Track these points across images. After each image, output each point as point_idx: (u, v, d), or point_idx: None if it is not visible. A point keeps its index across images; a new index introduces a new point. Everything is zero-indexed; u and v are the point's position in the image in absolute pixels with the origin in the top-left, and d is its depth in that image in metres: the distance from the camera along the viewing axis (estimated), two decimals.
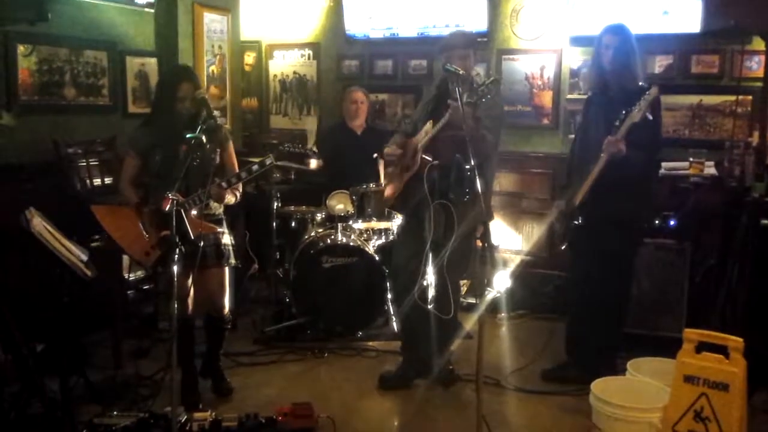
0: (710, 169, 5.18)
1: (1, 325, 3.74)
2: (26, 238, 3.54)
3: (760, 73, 5.22)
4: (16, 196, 4.44)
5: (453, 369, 4.61)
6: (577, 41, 6.02)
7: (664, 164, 5.12)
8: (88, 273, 3.78)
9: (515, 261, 6.22)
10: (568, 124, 6.19)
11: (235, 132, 6.90)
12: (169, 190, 3.46)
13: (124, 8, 6.02)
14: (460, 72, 3.80)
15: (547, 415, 4.21)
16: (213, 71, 6.82)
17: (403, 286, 4.50)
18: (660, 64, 5.73)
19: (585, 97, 5.86)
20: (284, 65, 7.48)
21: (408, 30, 6.62)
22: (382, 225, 5.60)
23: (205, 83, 6.54)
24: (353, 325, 5.35)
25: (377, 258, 5.31)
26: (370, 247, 5.41)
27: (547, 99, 6.24)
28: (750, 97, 5.40)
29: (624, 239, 4.35)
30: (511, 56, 6.33)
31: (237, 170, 4.20)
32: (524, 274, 6.07)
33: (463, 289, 5.59)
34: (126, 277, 5.16)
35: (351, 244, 5.34)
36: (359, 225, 5.58)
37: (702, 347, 3.36)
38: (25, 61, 5.30)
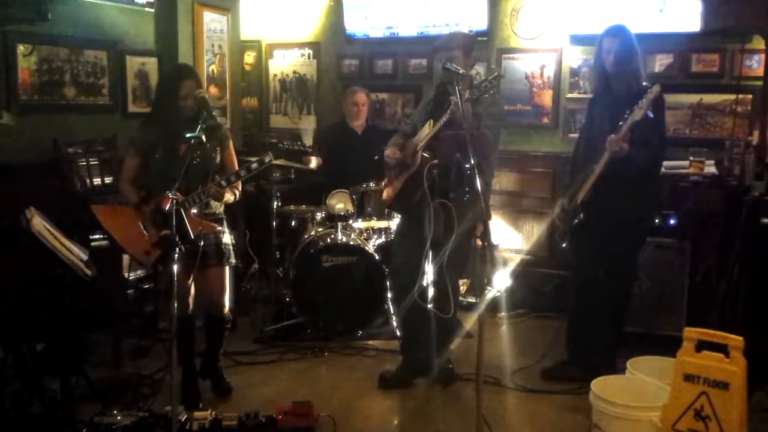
0: (710, 168, 5.18)
1: (2, 324, 3.74)
2: (26, 237, 3.54)
3: (760, 72, 5.22)
4: (16, 196, 4.43)
5: (453, 368, 4.62)
6: (577, 40, 6.02)
7: (664, 163, 5.11)
8: (88, 272, 3.78)
9: (515, 260, 6.22)
10: (568, 123, 6.19)
11: (234, 131, 6.89)
12: (168, 189, 3.47)
13: (124, 8, 6.02)
14: (460, 71, 3.80)
15: (547, 414, 4.21)
16: (213, 71, 6.82)
17: (402, 286, 4.50)
18: (660, 63, 5.73)
19: (586, 96, 5.92)
20: (284, 65, 7.49)
21: (408, 29, 6.62)
22: (382, 224, 5.61)
23: (205, 83, 6.53)
24: (353, 324, 5.35)
25: (377, 257, 5.31)
26: (370, 247, 5.41)
27: (547, 98, 6.24)
28: (750, 96, 5.40)
29: (627, 238, 4.35)
30: (511, 55, 6.33)
31: (236, 169, 4.20)
32: (524, 273, 6.08)
33: (463, 289, 5.60)
34: (126, 276, 5.17)
35: (351, 243, 5.35)
36: (359, 224, 5.58)
37: (702, 346, 3.36)
38: (25, 60, 5.30)
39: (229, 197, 4.11)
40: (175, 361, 3.36)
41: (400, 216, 4.91)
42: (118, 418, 3.73)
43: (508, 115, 5.51)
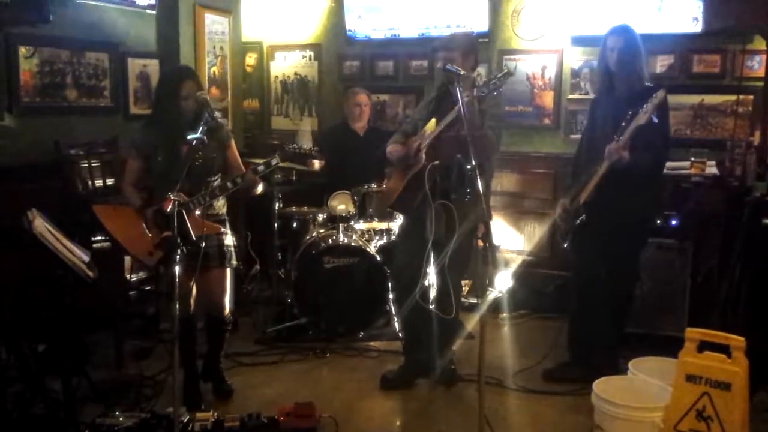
0: (712, 169, 5.18)
1: (4, 325, 3.74)
2: (28, 239, 3.55)
3: (761, 73, 5.23)
4: (17, 197, 4.44)
5: (455, 369, 4.62)
6: (579, 41, 6.03)
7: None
8: (90, 274, 3.79)
9: (517, 261, 6.22)
10: (569, 124, 6.19)
11: (236, 133, 6.88)
12: (170, 191, 3.47)
13: (125, 10, 6.02)
14: (461, 72, 3.80)
15: (549, 415, 4.21)
16: (214, 72, 6.82)
17: (404, 287, 4.50)
18: (661, 63, 5.73)
19: (587, 97, 5.93)
20: (285, 66, 7.49)
21: (409, 30, 6.62)
22: (384, 225, 5.60)
23: (207, 84, 6.54)
24: (355, 325, 5.35)
25: (379, 258, 5.31)
26: (372, 248, 5.41)
27: (548, 99, 6.24)
28: (751, 97, 5.40)
29: (629, 239, 4.35)
30: (512, 56, 6.33)
31: (242, 167, 4.21)
32: (526, 274, 6.08)
33: (465, 289, 5.60)
34: (128, 277, 5.17)
35: (352, 244, 5.35)
36: (361, 225, 5.58)
37: (704, 346, 3.36)
38: (27, 62, 5.30)
39: (260, 188, 4.15)
40: (177, 362, 3.37)
41: (402, 217, 4.92)
42: (120, 419, 3.73)
43: (509, 116, 5.53)
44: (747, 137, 5.19)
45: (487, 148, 4.09)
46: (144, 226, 3.99)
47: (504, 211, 6.38)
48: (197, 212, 3.93)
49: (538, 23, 6.19)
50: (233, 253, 4.28)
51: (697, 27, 5.39)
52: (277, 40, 7.46)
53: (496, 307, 5.58)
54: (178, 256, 3.29)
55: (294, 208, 5.91)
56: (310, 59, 7.35)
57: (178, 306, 3.31)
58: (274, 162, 4.03)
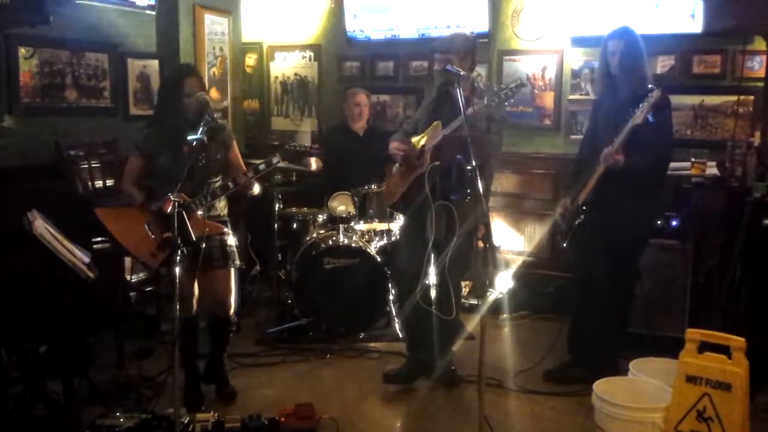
0: (712, 170, 5.18)
1: (5, 326, 3.75)
2: (28, 240, 3.55)
3: (762, 74, 5.22)
4: (18, 199, 4.45)
5: (455, 370, 4.61)
6: (579, 42, 6.02)
7: None
8: (90, 275, 3.79)
9: (517, 262, 6.22)
10: (569, 124, 6.19)
11: (236, 133, 6.88)
12: (171, 191, 3.47)
13: (125, 10, 6.02)
14: (461, 73, 3.81)
15: (550, 416, 4.21)
16: (214, 73, 6.82)
17: (405, 287, 4.50)
18: (662, 64, 5.72)
19: (587, 97, 5.93)
20: (285, 67, 7.49)
21: (408, 31, 6.62)
22: (384, 226, 5.60)
23: (207, 85, 6.54)
24: (355, 326, 5.35)
25: (379, 259, 5.32)
26: (372, 249, 5.41)
27: (548, 100, 6.24)
28: (752, 98, 5.39)
29: (629, 239, 4.34)
30: (512, 57, 6.33)
31: (243, 168, 4.21)
32: (526, 275, 6.08)
33: (465, 290, 5.60)
34: (128, 278, 5.17)
35: (353, 245, 5.35)
36: (361, 226, 5.58)
37: (704, 347, 3.36)
38: (27, 63, 5.30)
39: (256, 189, 4.15)
40: (177, 363, 3.36)
41: (402, 217, 4.92)
42: (121, 420, 3.73)
43: (509, 118, 5.52)
44: (747, 138, 5.18)
45: (488, 150, 4.11)
46: (146, 227, 3.98)
47: (504, 212, 6.38)
48: (199, 212, 3.94)
49: (538, 24, 6.19)
50: (236, 253, 4.28)
51: (696, 25, 5.38)
52: (277, 41, 7.46)
53: (496, 308, 5.58)
54: (178, 257, 3.29)
55: (294, 209, 5.91)
56: (310, 60, 7.35)
57: (178, 306, 3.31)
58: (275, 161, 4.03)
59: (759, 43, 5.25)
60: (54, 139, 5.38)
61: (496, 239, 5.78)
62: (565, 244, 4.53)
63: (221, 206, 4.23)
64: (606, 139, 4.21)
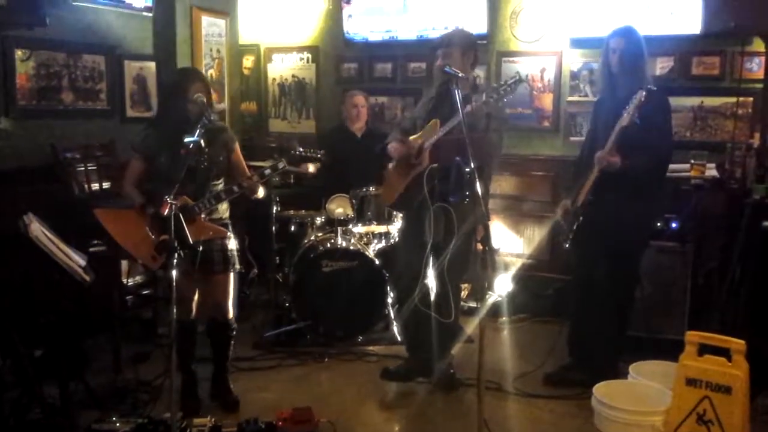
0: (711, 171, 5.17)
1: (0, 330, 3.72)
2: (24, 242, 3.53)
3: (761, 75, 5.21)
4: (14, 201, 4.42)
5: (454, 373, 4.59)
6: (578, 43, 6.01)
7: None
8: (86, 278, 3.78)
9: (516, 264, 6.20)
10: (568, 126, 6.17)
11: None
12: (167, 194, 3.45)
13: (121, 12, 6.01)
14: (459, 74, 3.79)
15: (549, 420, 4.19)
16: (211, 75, 6.82)
17: (404, 290, 4.49)
18: (661, 65, 5.71)
19: (586, 99, 5.92)
20: (283, 68, 7.47)
21: (407, 32, 6.61)
22: (382, 228, 5.59)
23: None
24: (353, 329, 5.33)
25: (377, 262, 5.29)
26: (370, 251, 5.39)
27: (547, 101, 6.22)
28: (751, 99, 5.38)
29: (629, 241, 4.33)
30: (510, 58, 6.32)
31: (246, 171, 4.20)
32: (525, 278, 6.06)
33: (464, 293, 5.59)
34: (125, 281, 5.15)
35: (351, 248, 5.33)
36: (359, 229, 5.56)
37: (704, 350, 3.36)
38: (23, 65, 5.29)
39: (261, 193, 4.15)
40: (174, 366, 3.35)
41: (401, 219, 4.91)
42: (117, 424, 3.72)
43: (509, 119, 5.51)
44: (747, 139, 5.17)
45: (489, 151, 4.10)
46: (147, 229, 3.95)
47: (503, 214, 6.36)
48: (202, 216, 3.92)
49: (537, 25, 6.17)
50: (236, 258, 4.26)
51: (697, 29, 5.36)
52: (275, 43, 7.44)
53: (495, 310, 5.56)
54: (175, 260, 3.28)
55: (292, 212, 5.89)
56: (307, 61, 7.33)
57: (175, 310, 3.29)
58: (280, 165, 4.01)
59: (758, 45, 5.24)
60: (50, 141, 5.37)
61: (495, 242, 5.76)
62: (566, 246, 4.51)
63: (223, 209, 4.21)
64: (604, 140, 4.20)
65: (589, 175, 4.28)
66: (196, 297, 4.17)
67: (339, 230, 5.42)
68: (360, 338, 5.32)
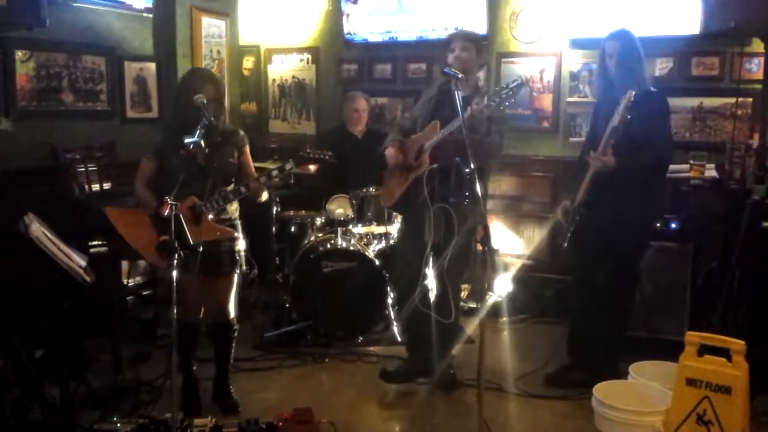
0: (711, 172, 5.17)
1: (1, 331, 3.73)
2: (25, 243, 3.53)
3: (760, 75, 5.21)
4: (14, 202, 4.42)
5: (454, 374, 4.59)
6: (577, 44, 6.02)
7: None
8: (87, 278, 3.78)
9: (516, 265, 6.20)
10: (568, 127, 6.17)
11: None
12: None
13: (122, 13, 6.02)
14: (459, 75, 3.80)
15: (549, 420, 4.19)
16: None
17: (404, 290, 4.49)
18: (660, 66, 5.72)
19: (586, 100, 5.92)
20: (283, 69, 7.47)
21: (407, 33, 6.61)
22: (382, 229, 5.59)
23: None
24: (354, 330, 5.33)
25: (377, 262, 5.30)
26: (370, 252, 5.39)
27: (547, 102, 6.23)
28: (750, 99, 5.38)
29: (628, 240, 4.32)
30: (510, 59, 6.32)
31: (253, 173, 4.20)
32: (525, 278, 6.05)
33: (465, 294, 5.59)
34: (125, 282, 5.15)
35: (351, 248, 5.33)
36: (359, 229, 5.56)
37: (704, 350, 3.35)
38: (24, 66, 5.29)
39: (264, 196, 4.16)
40: (175, 367, 3.35)
41: (401, 220, 4.91)
42: (118, 425, 3.71)
43: (509, 118, 5.51)
44: (746, 140, 5.18)
45: (488, 152, 4.10)
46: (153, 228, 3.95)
47: (503, 215, 6.37)
48: (210, 216, 3.92)
49: (537, 26, 6.18)
50: (243, 259, 4.26)
51: (696, 29, 5.37)
52: (275, 44, 7.44)
53: (495, 311, 5.55)
54: (175, 261, 3.28)
55: (292, 212, 5.90)
56: (307, 62, 7.33)
57: (176, 310, 3.29)
58: (288, 167, 4.02)
59: (757, 45, 5.24)
60: (50, 142, 5.38)
61: (495, 242, 5.76)
62: (564, 245, 4.51)
63: (232, 209, 4.20)
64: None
65: (586, 175, 4.29)
66: (199, 297, 4.16)
67: (339, 231, 5.42)
68: (360, 339, 5.32)
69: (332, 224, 5.55)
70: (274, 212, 5.58)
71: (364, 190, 5.59)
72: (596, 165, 4.16)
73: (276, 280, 5.79)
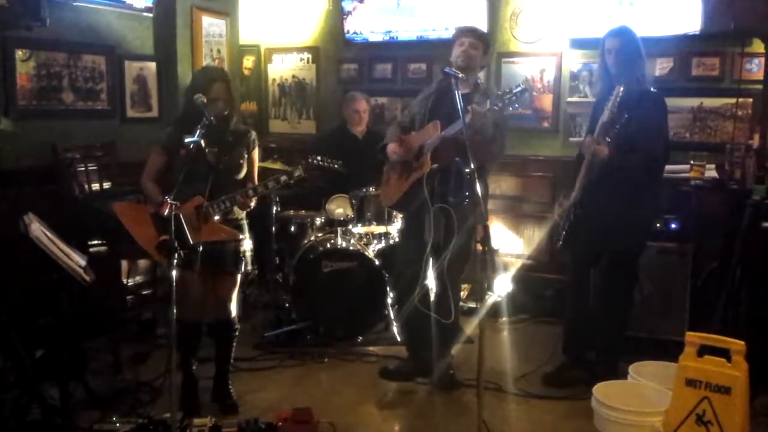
0: (711, 172, 5.17)
1: (0, 330, 3.73)
2: (25, 243, 3.53)
3: (760, 76, 5.22)
4: (14, 201, 4.43)
5: (454, 374, 4.59)
6: (577, 44, 6.01)
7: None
8: (87, 278, 3.78)
9: (516, 265, 6.20)
10: (568, 127, 6.17)
11: None
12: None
13: (122, 12, 6.01)
14: (460, 75, 3.79)
15: (549, 420, 4.19)
16: None
17: (404, 291, 4.49)
18: (661, 66, 5.71)
19: (586, 100, 5.92)
20: (283, 69, 7.47)
21: (407, 33, 6.60)
22: (382, 229, 5.58)
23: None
24: (353, 329, 5.33)
25: (377, 262, 5.29)
26: (370, 252, 5.39)
27: (547, 102, 6.22)
28: (750, 100, 5.38)
29: (626, 241, 4.32)
30: (510, 59, 6.32)
31: (255, 176, 4.21)
32: (525, 278, 6.05)
33: (464, 294, 5.58)
34: (125, 282, 5.14)
35: (351, 248, 5.33)
36: (359, 229, 5.56)
37: (704, 350, 3.35)
38: (24, 65, 5.28)
39: (251, 205, 4.14)
40: (174, 367, 3.35)
41: (401, 219, 4.91)
42: (118, 425, 3.70)
43: (510, 120, 5.51)
44: (746, 140, 5.18)
45: (488, 152, 4.10)
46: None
47: (503, 215, 6.37)
48: (216, 217, 3.92)
49: (537, 26, 6.18)
50: (248, 259, 4.26)
51: (696, 30, 5.36)
52: (275, 43, 7.44)
53: (495, 311, 5.56)
54: (175, 260, 3.28)
55: (292, 212, 5.89)
56: (308, 62, 7.33)
57: (176, 310, 3.29)
58: (297, 174, 4.02)
59: (757, 45, 5.24)
60: (51, 141, 5.37)
61: (495, 242, 5.76)
62: (559, 244, 4.50)
63: (239, 210, 4.20)
64: None
65: (581, 169, 4.28)
66: (201, 297, 4.16)
67: (339, 231, 5.42)
68: (360, 338, 5.33)
69: (332, 224, 5.55)
70: (274, 212, 5.57)
71: (364, 190, 5.59)
72: (589, 150, 4.14)
73: (276, 280, 5.79)
